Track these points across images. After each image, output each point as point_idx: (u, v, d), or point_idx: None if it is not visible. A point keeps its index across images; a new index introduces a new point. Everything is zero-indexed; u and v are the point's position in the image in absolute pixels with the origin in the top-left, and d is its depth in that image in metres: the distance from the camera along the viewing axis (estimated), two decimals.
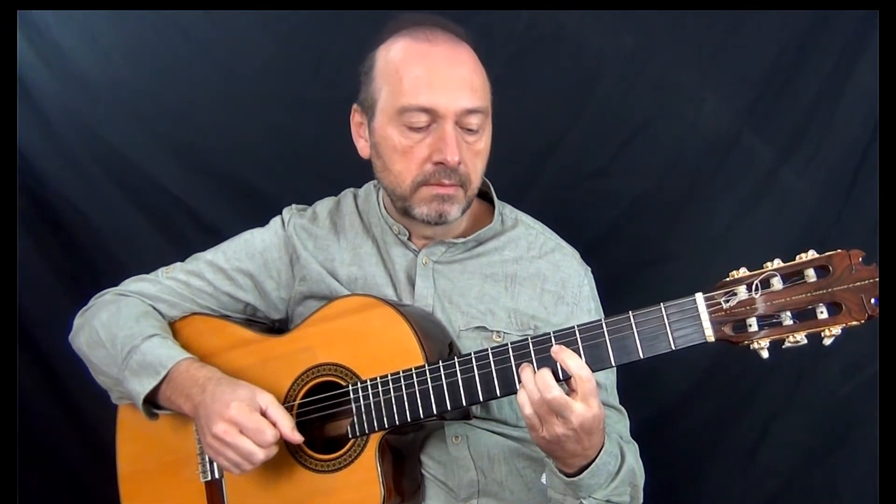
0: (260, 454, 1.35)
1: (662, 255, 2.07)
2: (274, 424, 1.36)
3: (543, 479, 1.38)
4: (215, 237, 1.65)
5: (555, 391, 1.22)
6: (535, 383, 1.23)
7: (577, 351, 1.24)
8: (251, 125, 2.19)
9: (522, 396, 1.24)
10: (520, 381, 1.25)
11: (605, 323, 1.24)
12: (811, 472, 2.01)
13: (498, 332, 1.47)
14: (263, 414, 1.36)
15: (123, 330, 1.50)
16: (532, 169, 2.08)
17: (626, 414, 1.55)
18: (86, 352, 1.57)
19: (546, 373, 1.23)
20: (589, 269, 1.58)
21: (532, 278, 1.51)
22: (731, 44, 1.99)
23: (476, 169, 1.45)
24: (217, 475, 1.50)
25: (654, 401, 2.03)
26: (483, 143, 1.45)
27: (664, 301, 1.22)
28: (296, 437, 1.37)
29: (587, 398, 1.23)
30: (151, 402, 1.48)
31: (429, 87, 1.39)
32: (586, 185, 2.09)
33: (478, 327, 1.48)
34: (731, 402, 2.05)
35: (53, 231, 2.23)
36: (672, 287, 2.05)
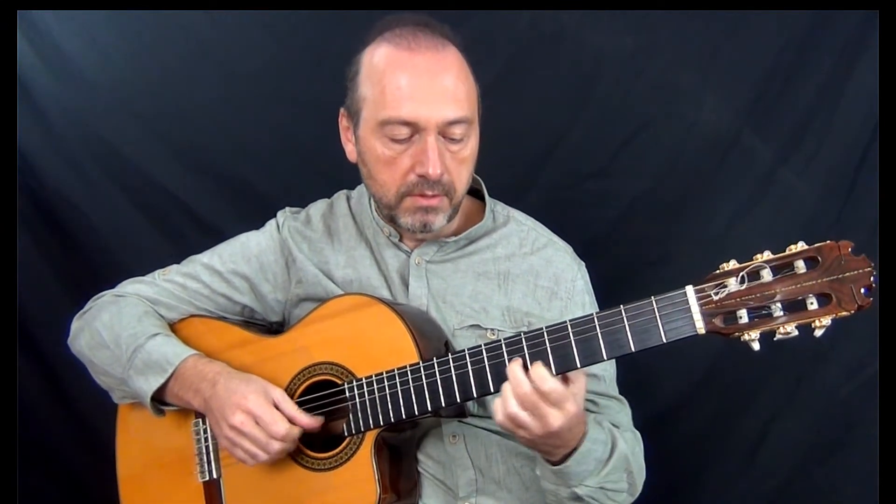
0: (276, 444, 1.37)
1: (662, 255, 2.06)
2: (290, 419, 1.38)
3: (537, 471, 1.39)
4: (215, 237, 1.65)
5: (551, 382, 1.22)
6: (527, 377, 1.23)
7: (568, 345, 1.24)
8: (251, 125, 2.19)
9: (507, 392, 1.24)
10: (503, 380, 1.25)
11: (597, 317, 1.24)
12: (811, 472, 2.01)
13: (492, 329, 1.48)
14: (276, 407, 1.39)
15: (126, 330, 1.51)
16: (532, 169, 2.08)
17: (626, 403, 1.56)
18: (87, 354, 1.57)
19: (540, 366, 1.23)
20: (583, 263, 1.58)
21: (525, 275, 1.51)
22: (731, 44, 1.99)
23: (461, 176, 1.44)
24: (215, 475, 1.50)
25: (654, 401, 2.02)
26: (468, 150, 1.44)
27: (655, 295, 1.22)
28: (315, 421, 1.39)
29: (578, 394, 1.25)
30: (158, 400, 1.49)
31: (410, 99, 1.38)
32: (586, 185, 2.09)
33: (472, 325, 1.48)
34: (731, 402, 2.04)
35: (53, 231, 2.23)
36: (672, 287, 2.06)
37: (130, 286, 1.61)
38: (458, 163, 1.43)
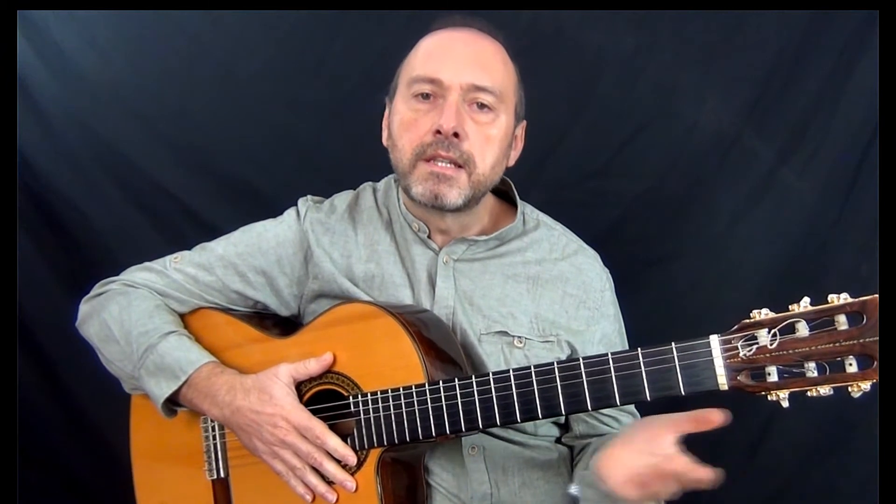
0: (327, 465, 1.35)
1: (663, 255, 2.06)
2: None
3: (574, 490, 1.34)
4: (215, 237, 1.64)
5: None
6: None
7: (580, 384, 1.20)
8: (251, 125, 2.19)
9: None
10: (510, 412, 1.23)
11: (612, 358, 1.19)
12: (811, 472, 2.01)
13: (519, 337, 1.44)
14: None
15: (137, 327, 1.47)
16: (532, 169, 2.07)
17: (640, 417, 1.54)
18: (97, 344, 1.55)
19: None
20: (608, 271, 1.56)
21: (554, 281, 1.48)
22: (731, 44, 1.99)
23: (484, 154, 1.40)
24: (223, 474, 1.49)
25: (654, 401, 2.02)
26: (496, 129, 1.41)
27: (676, 341, 1.15)
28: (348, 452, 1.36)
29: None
30: (170, 399, 1.46)
31: (436, 58, 1.40)
32: (586, 185, 2.09)
33: (499, 332, 1.44)
34: (731, 402, 2.04)
35: (53, 231, 2.23)
36: (673, 287, 2.07)
37: (140, 275, 1.56)
38: (483, 139, 1.40)
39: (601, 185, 2.08)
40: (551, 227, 1.56)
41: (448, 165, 1.38)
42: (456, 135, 1.37)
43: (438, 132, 1.37)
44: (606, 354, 1.19)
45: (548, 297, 1.47)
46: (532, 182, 2.06)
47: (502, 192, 1.56)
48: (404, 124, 1.41)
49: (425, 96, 1.40)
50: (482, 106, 1.40)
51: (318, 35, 2.14)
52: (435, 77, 1.38)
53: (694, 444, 2.06)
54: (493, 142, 1.41)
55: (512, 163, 1.52)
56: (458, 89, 1.38)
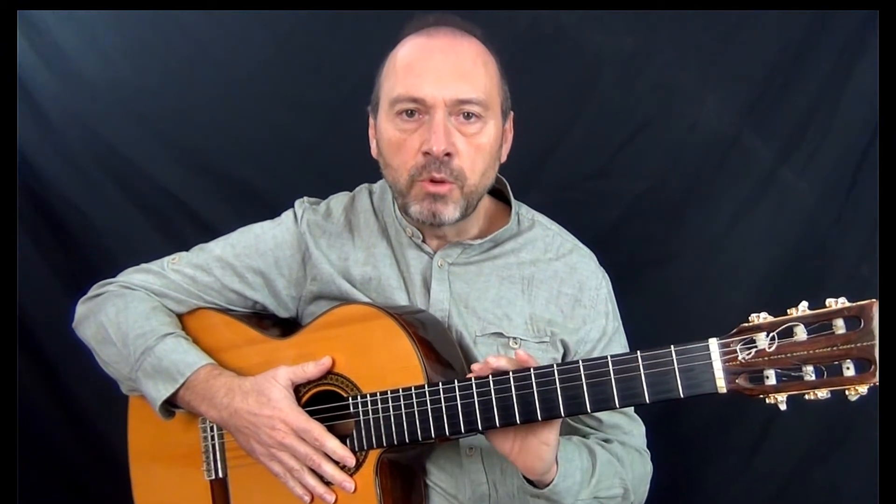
0: (326, 466, 1.35)
1: (663, 256, 2.06)
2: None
3: None
4: (215, 237, 1.65)
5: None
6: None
7: (580, 387, 1.20)
8: (251, 125, 2.19)
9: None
10: (510, 413, 1.24)
11: (612, 360, 1.19)
12: (811, 472, 2.00)
13: (514, 338, 1.45)
14: None
15: (134, 329, 1.48)
16: (532, 169, 2.08)
17: (639, 421, 1.54)
18: (94, 346, 1.55)
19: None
20: (604, 271, 1.56)
21: (549, 281, 1.49)
22: (731, 44, 1.99)
23: (475, 164, 1.40)
24: (221, 474, 1.49)
25: (652, 403, 2.02)
26: (485, 137, 1.40)
27: (675, 344, 1.16)
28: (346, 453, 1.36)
29: None
30: (167, 401, 1.46)
31: (417, 76, 1.37)
32: (586, 185, 2.08)
33: (494, 333, 1.45)
34: (731, 402, 2.04)
35: (53, 231, 2.23)
36: (673, 287, 2.07)
37: (137, 276, 1.57)
38: (473, 149, 1.39)
39: (601, 185, 2.08)
40: (546, 227, 1.56)
41: (442, 185, 1.38)
42: (447, 154, 1.37)
43: (428, 153, 1.36)
44: (606, 357, 1.19)
45: (543, 296, 1.48)
46: (532, 182, 2.07)
47: (498, 192, 1.56)
48: (393, 145, 1.40)
49: (409, 114, 1.39)
50: (469, 115, 1.39)
51: (318, 35, 2.14)
52: (417, 96, 1.36)
53: (693, 446, 2.08)
54: (483, 150, 1.41)
55: (504, 158, 1.51)
56: (443, 105, 1.36)
